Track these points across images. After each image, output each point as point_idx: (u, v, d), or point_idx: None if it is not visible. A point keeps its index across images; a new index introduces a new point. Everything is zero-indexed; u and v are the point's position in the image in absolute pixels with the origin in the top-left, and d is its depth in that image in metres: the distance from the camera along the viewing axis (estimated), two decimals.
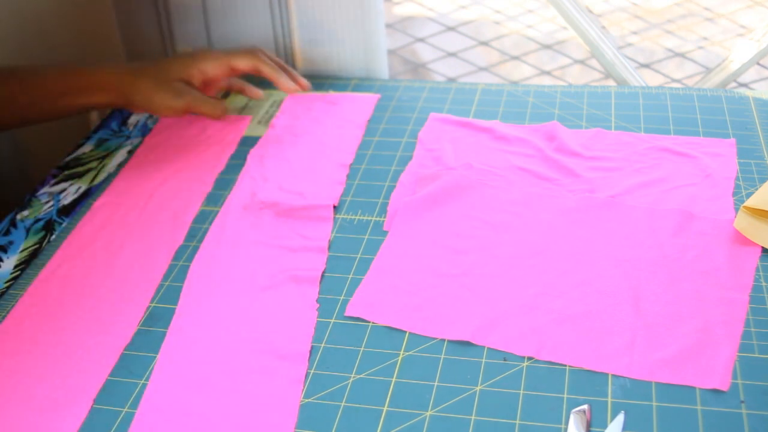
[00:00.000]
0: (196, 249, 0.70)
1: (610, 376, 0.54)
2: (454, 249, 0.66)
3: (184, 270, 0.67)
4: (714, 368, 0.54)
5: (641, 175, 0.73)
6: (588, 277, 0.62)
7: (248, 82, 0.89)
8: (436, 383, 0.55)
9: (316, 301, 0.63)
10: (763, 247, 0.64)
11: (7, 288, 0.67)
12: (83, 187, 0.80)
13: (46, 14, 0.99)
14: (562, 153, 0.77)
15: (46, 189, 0.81)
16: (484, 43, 1.31)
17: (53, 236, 0.73)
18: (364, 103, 0.89)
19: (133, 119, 0.92)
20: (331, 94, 0.92)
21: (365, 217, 0.72)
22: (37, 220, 0.76)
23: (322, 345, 0.59)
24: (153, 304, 0.64)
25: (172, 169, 0.81)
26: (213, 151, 0.83)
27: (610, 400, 0.53)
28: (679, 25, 1.41)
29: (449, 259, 0.65)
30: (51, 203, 0.78)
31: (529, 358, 0.56)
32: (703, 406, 0.52)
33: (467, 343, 0.58)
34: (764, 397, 0.52)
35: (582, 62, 1.29)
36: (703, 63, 1.24)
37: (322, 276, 0.65)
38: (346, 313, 0.61)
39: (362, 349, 0.58)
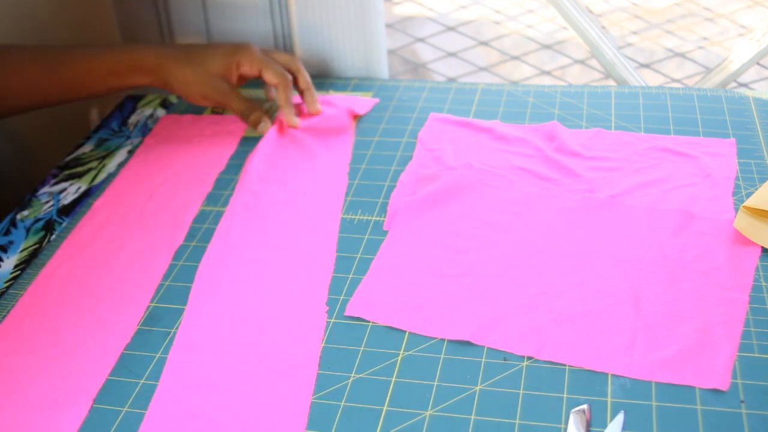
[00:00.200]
0: (196, 249, 0.70)
1: (610, 376, 0.54)
2: (454, 249, 0.66)
3: (184, 270, 0.67)
4: (714, 368, 0.54)
5: (641, 175, 0.73)
6: (588, 277, 0.62)
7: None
8: (435, 383, 0.55)
9: (326, 303, 0.63)
10: (763, 247, 0.64)
11: (7, 288, 0.67)
12: (83, 187, 0.80)
13: (45, 11, 0.99)
14: (562, 153, 0.77)
15: (46, 189, 0.81)
16: (484, 43, 1.31)
17: (53, 236, 0.73)
18: (357, 106, 0.88)
19: (133, 119, 0.92)
20: (331, 94, 0.92)
21: (365, 217, 0.72)
22: (37, 220, 0.76)
23: (322, 345, 0.59)
24: (153, 304, 0.64)
25: (172, 169, 0.81)
26: (213, 151, 0.83)
27: (610, 400, 0.53)
28: (679, 25, 1.41)
29: (449, 259, 0.65)
30: (51, 203, 0.78)
31: (529, 358, 0.56)
32: (703, 406, 0.52)
33: (467, 343, 0.58)
34: (764, 397, 0.52)
35: (582, 62, 1.29)
36: (703, 63, 1.24)
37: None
38: (346, 313, 0.61)
39: (362, 348, 0.58)
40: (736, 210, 0.68)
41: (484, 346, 0.57)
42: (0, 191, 0.95)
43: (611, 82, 1.11)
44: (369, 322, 0.61)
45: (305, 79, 0.86)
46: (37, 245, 0.72)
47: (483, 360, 0.56)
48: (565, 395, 0.53)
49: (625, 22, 1.40)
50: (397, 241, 0.68)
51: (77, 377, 0.58)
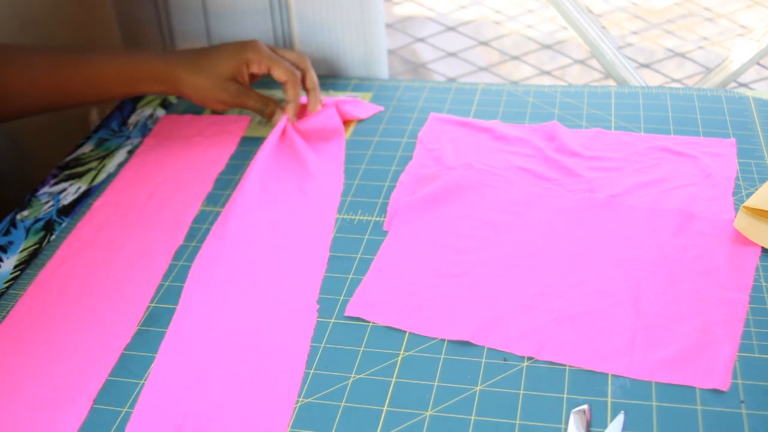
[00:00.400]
0: (196, 249, 0.70)
1: (610, 376, 0.54)
2: (454, 249, 0.66)
3: (184, 270, 0.67)
4: (714, 368, 0.54)
5: (641, 175, 0.73)
6: (588, 277, 0.62)
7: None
8: (436, 383, 0.55)
9: (317, 302, 0.63)
10: (763, 247, 0.64)
11: (7, 288, 0.67)
12: (83, 187, 0.80)
13: (46, 13, 0.99)
14: (562, 153, 0.77)
15: (46, 189, 0.81)
16: (484, 43, 1.31)
17: (53, 236, 0.73)
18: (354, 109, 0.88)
19: (133, 119, 0.92)
20: (331, 94, 0.92)
21: (365, 217, 0.72)
22: (37, 220, 0.76)
23: (322, 345, 0.59)
24: (153, 304, 0.64)
25: (172, 169, 0.81)
26: (213, 151, 0.83)
27: (610, 400, 0.53)
28: (679, 25, 1.41)
29: (449, 259, 0.65)
30: (51, 203, 0.78)
31: (529, 358, 0.56)
32: (703, 406, 0.52)
33: (467, 343, 0.58)
34: (764, 397, 0.52)
35: (582, 62, 1.29)
36: (703, 63, 1.24)
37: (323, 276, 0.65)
38: (346, 313, 0.61)
39: (362, 349, 0.58)
40: (736, 210, 0.68)
41: (484, 347, 0.57)
42: (0, 191, 0.95)
43: (611, 82, 1.11)
44: (369, 322, 0.61)
45: (312, 78, 0.86)
46: (37, 245, 0.72)
47: (483, 360, 0.56)
48: (565, 395, 0.53)
49: (625, 22, 1.40)
50: (397, 241, 0.68)
51: (77, 377, 0.58)
